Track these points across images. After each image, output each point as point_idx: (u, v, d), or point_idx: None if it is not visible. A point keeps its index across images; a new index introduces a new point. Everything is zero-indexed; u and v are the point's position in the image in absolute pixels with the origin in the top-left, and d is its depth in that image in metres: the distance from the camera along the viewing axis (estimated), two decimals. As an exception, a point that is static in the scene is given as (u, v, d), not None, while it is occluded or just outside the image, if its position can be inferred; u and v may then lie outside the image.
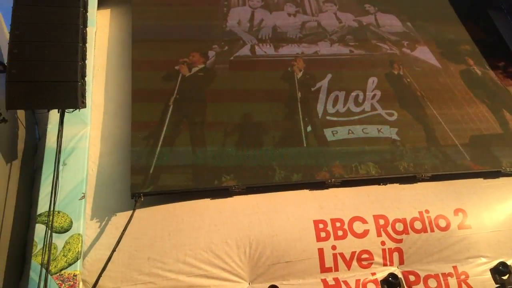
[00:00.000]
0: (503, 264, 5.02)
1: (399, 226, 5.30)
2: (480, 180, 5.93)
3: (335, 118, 6.15)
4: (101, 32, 6.60)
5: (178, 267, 4.76)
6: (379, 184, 5.70)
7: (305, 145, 5.85)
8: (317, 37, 7.08)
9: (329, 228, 5.17)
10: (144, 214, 5.04)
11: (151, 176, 5.24)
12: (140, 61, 6.22)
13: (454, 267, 5.17)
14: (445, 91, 6.77)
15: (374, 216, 5.32)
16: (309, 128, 5.99)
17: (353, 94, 6.42)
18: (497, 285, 4.96)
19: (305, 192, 5.55)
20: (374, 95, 6.48)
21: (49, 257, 4.47)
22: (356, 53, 6.98)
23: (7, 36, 5.61)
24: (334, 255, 5.05)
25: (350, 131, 6.06)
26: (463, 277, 5.14)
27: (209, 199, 5.33)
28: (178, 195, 5.27)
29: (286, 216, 5.22)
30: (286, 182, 5.50)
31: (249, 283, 4.87)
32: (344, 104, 6.32)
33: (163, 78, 6.15)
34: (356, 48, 7.04)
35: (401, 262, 5.20)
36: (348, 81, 6.59)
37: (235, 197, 5.37)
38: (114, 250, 4.59)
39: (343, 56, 6.92)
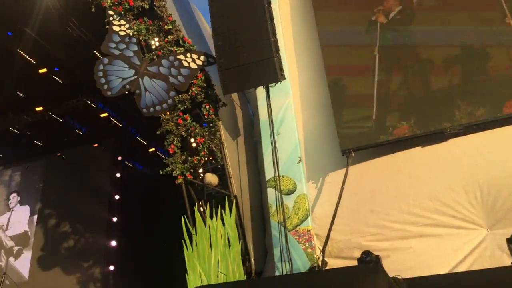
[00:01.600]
0: None
1: None
2: None
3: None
4: (283, 4, 6.84)
5: (403, 217, 4.74)
6: None
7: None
8: None
9: None
10: (359, 170, 5.14)
11: (362, 130, 5.21)
12: (326, 20, 6.10)
13: None
14: None
15: None
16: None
17: None
18: None
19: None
20: None
21: (284, 216, 5.08)
22: None
23: (209, 31, 6.47)
24: None
25: None
26: None
27: (420, 147, 5.04)
28: (389, 146, 5.12)
29: (519, 152, 4.53)
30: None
31: (487, 230, 4.48)
32: None
33: (360, 32, 5.83)
34: None
35: None
36: None
37: (449, 140, 4.93)
38: (337, 206, 4.82)
39: None
